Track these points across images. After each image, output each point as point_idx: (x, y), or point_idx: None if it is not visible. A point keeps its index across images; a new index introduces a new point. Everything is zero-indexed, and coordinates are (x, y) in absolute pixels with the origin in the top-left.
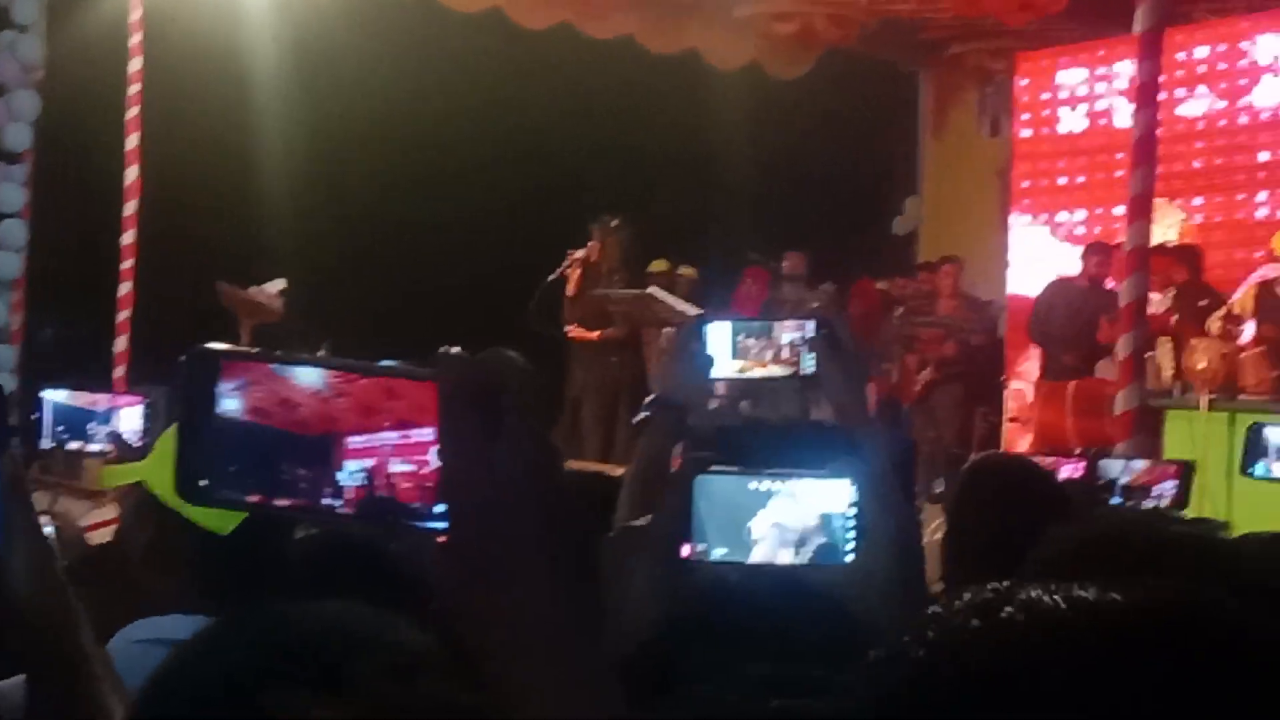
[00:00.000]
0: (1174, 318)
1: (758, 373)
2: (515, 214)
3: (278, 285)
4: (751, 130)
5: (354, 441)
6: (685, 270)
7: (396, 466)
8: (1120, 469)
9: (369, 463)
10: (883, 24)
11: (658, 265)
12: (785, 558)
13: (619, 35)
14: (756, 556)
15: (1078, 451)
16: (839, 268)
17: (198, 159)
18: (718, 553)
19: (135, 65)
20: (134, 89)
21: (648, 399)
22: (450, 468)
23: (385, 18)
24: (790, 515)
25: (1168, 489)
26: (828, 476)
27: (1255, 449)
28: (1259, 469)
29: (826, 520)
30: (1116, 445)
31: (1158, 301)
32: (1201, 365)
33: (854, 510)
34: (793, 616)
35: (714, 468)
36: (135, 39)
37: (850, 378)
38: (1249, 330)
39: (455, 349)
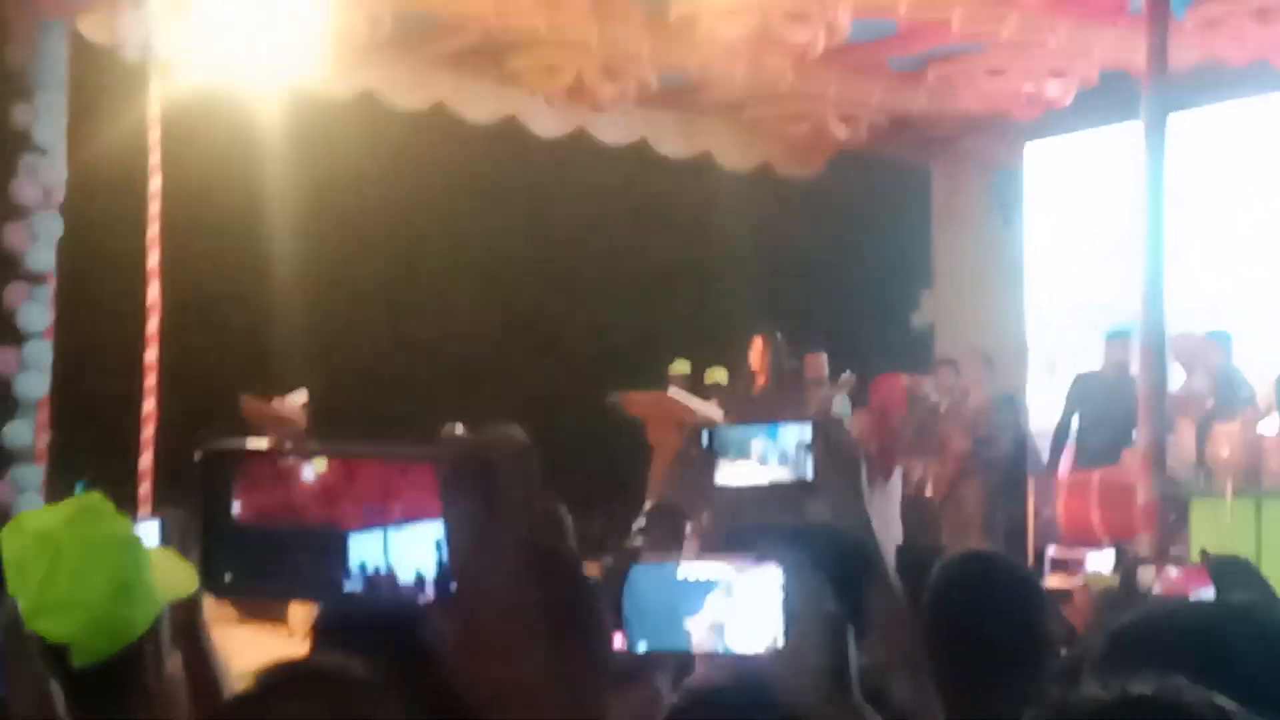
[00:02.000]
0: (1209, 402)
1: (761, 478)
2: (531, 319)
3: (300, 397)
4: (767, 230)
5: (362, 529)
6: (715, 372)
7: (402, 551)
8: (1151, 577)
9: (376, 549)
10: (893, 122)
11: (678, 367)
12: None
13: (632, 140)
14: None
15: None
16: (859, 365)
17: (218, 274)
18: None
19: (155, 184)
20: (154, 207)
21: (647, 506)
22: (453, 544)
23: (401, 130)
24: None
25: (1206, 594)
26: (756, 564)
27: None
28: None
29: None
30: (1140, 535)
31: (1187, 387)
32: (1225, 453)
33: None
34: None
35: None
36: (154, 158)
37: (846, 481)
38: (1275, 419)
39: (458, 427)
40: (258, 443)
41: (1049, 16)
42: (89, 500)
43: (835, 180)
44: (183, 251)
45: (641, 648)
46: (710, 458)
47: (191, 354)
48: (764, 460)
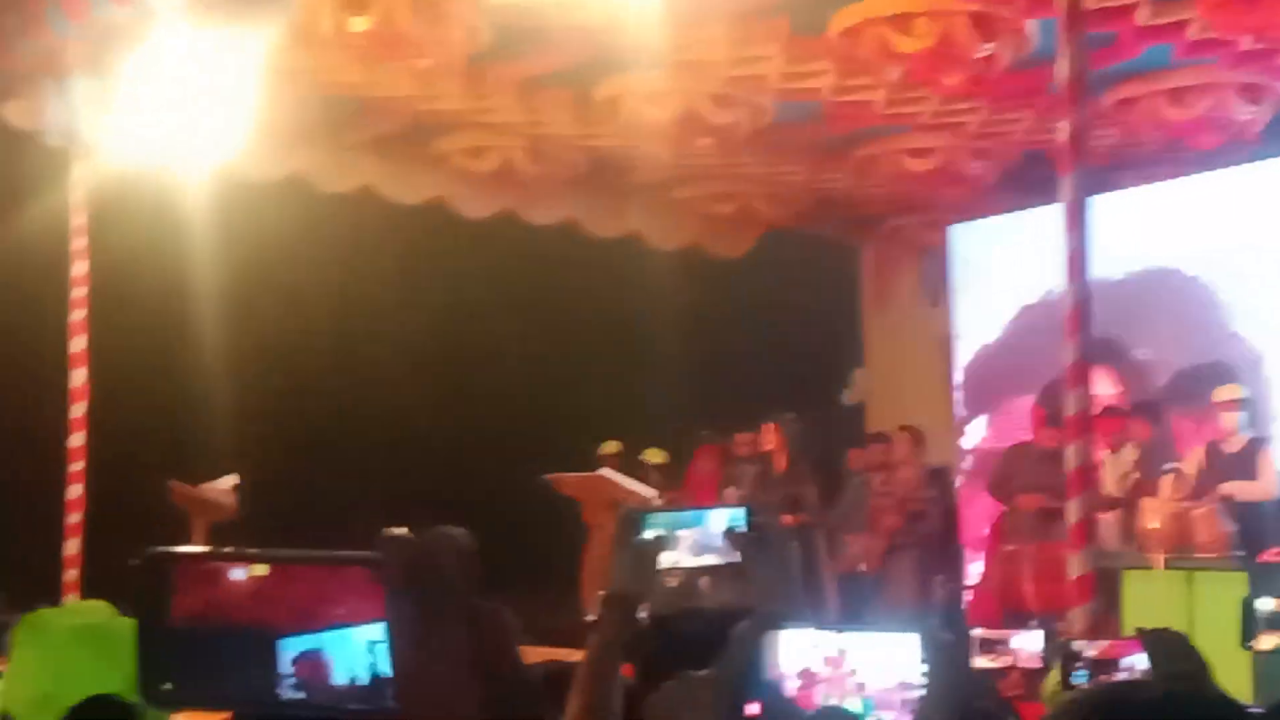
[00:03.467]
0: (1135, 475)
1: (692, 562)
2: (461, 399)
3: (230, 481)
4: (697, 309)
5: (297, 636)
6: (651, 453)
7: (339, 655)
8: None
9: (313, 654)
10: (819, 201)
11: (609, 447)
12: None
13: (560, 221)
14: None
15: (1035, 624)
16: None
17: (145, 359)
18: None
19: (80, 269)
20: (79, 292)
21: (600, 593)
22: (394, 647)
23: (329, 212)
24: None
25: (1139, 661)
26: (893, 631)
27: (1251, 621)
28: (1261, 641)
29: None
30: (1073, 609)
31: (1113, 461)
32: (1154, 525)
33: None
34: None
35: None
36: (79, 243)
37: (773, 565)
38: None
39: (399, 530)
40: (195, 549)
41: (969, 98)
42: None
43: (764, 259)
44: (109, 336)
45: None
46: (647, 543)
47: (119, 439)
48: (693, 545)
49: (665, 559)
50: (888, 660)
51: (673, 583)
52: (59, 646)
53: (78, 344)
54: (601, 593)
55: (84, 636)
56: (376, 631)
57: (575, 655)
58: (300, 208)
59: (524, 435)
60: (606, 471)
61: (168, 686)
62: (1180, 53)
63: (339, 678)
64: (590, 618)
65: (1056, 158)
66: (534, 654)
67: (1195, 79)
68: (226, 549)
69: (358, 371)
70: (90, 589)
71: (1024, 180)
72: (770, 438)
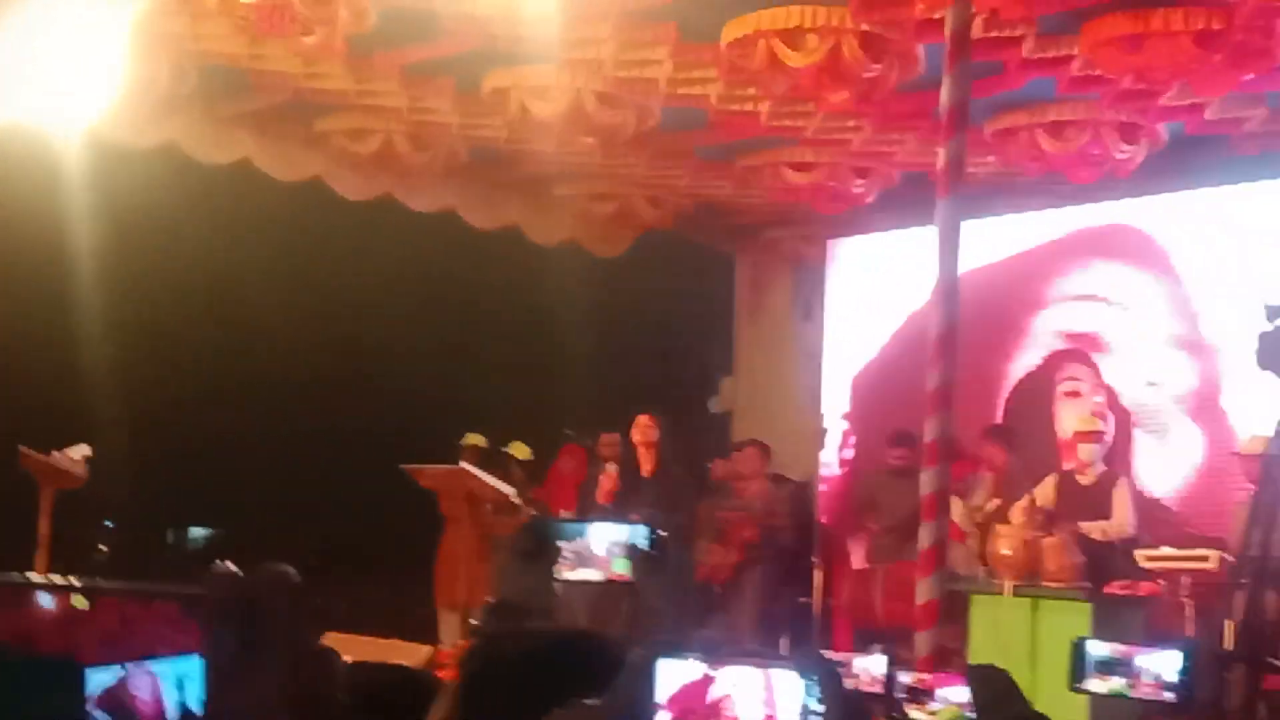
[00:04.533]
0: (994, 502)
1: (570, 575)
2: (327, 384)
3: (81, 451)
4: (572, 306)
5: (104, 666)
6: (516, 447)
7: (147, 688)
8: (907, 675)
9: (120, 686)
10: (700, 207)
11: (473, 439)
12: None
13: (441, 209)
14: None
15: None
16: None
17: (3, 321)
18: None
19: None
20: None
21: (487, 602)
22: (210, 678)
23: (205, 185)
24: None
25: (956, 694)
26: (772, 667)
27: (1081, 663)
28: (1090, 684)
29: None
30: (919, 632)
31: (962, 505)
32: (1005, 552)
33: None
34: None
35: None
36: None
37: (668, 589)
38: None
39: (227, 564)
40: (11, 577)
41: (854, 116)
42: None
43: (641, 261)
44: None
45: None
46: (544, 553)
47: None
48: (575, 558)
49: (571, 571)
50: (772, 695)
51: (572, 594)
52: None
53: None
54: (489, 600)
55: None
56: (188, 666)
57: (423, 649)
58: (175, 177)
59: (394, 421)
60: (466, 465)
61: None
62: (1063, 87)
63: (147, 711)
64: (477, 621)
65: (934, 182)
66: (381, 645)
67: (1074, 114)
68: (47, 578)
69: (228, 348)
70: None
71: (903, 201)
72: (644, 432)
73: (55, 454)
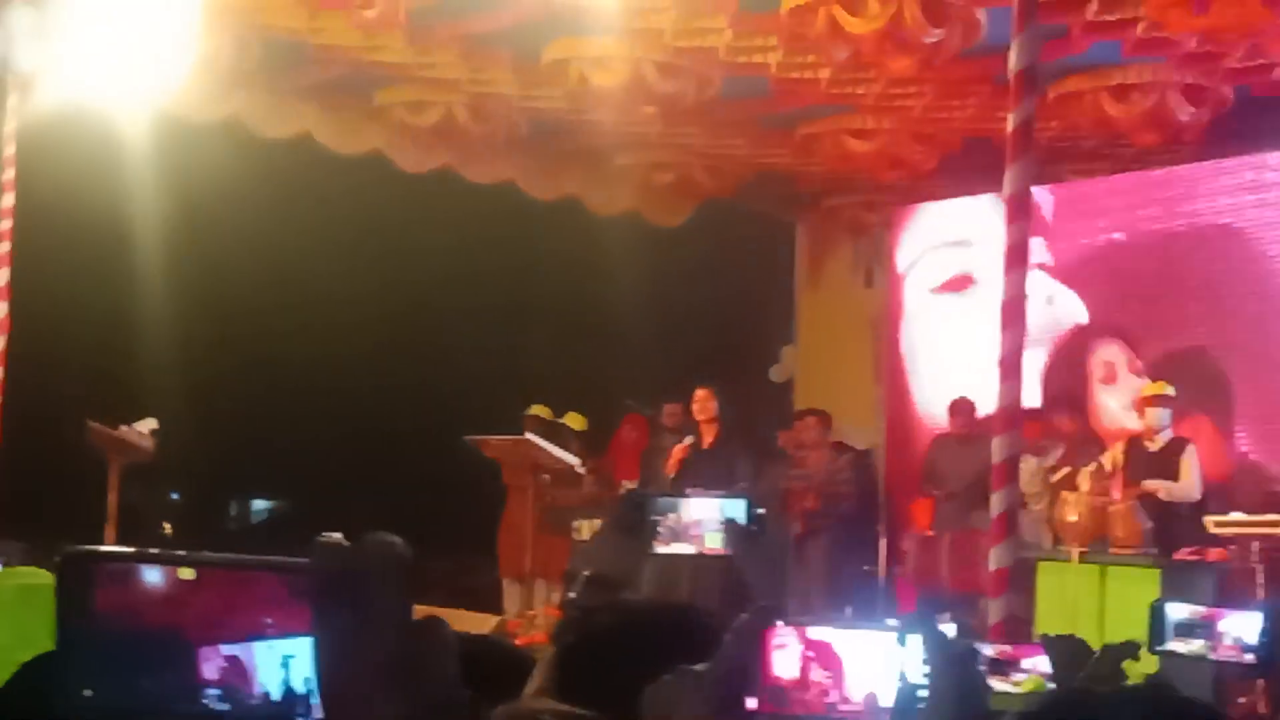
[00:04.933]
0: (1063, 471)
1: (664, 549)
2: (392, 355)
3: (149, 425)
4: (632, 276)
5: (218, 644)
6: (571, 418)
7: (263, 666)
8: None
9: (235, 663)
10: (759, 176)
11: (538, 410)
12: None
13: (500, 181)
14: None
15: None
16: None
17: (70, 296)
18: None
19: (7, 201)
20: (4, 224)
21: (583, 574)
22: (323, 655)
23: (268, 157)
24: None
25: (1040, 664)
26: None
27: (1161, 626)
28: (1171, 646)
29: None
30: (990, 599)
31: (1032, 468)
32: (1072, 519)
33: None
34: None
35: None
36: (8, 175)
37: (767, 560)
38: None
39: (335, 536)
40: (117, 549)
41: (915, 82)
42: None
43: (702, 229)
44: (36, 271)
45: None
46: (644, 526)
47: (41, 375)
48: (679, 530)
49: (667, 543)
50: (887, 659)
51: (670, 566)
52: (6, 606)
53: (1, 276)
54: (585, 573)
55: (30, 597)
56: (300, 645)
57: (488, 619)
58: (238, 151)
59: (454, 392)
60: (531, 436)
61: (88, 693)
62: (1127, 50)
63: (263, 688)
64: (572, 593)
65: (1002, 148)
66: (445, 617)
67: (1140, 77)
68: (151, 550)
69: (290, 320)
70: (5, 530)
71: (964, 167)
72: (703, 406)
73: (123, 428)
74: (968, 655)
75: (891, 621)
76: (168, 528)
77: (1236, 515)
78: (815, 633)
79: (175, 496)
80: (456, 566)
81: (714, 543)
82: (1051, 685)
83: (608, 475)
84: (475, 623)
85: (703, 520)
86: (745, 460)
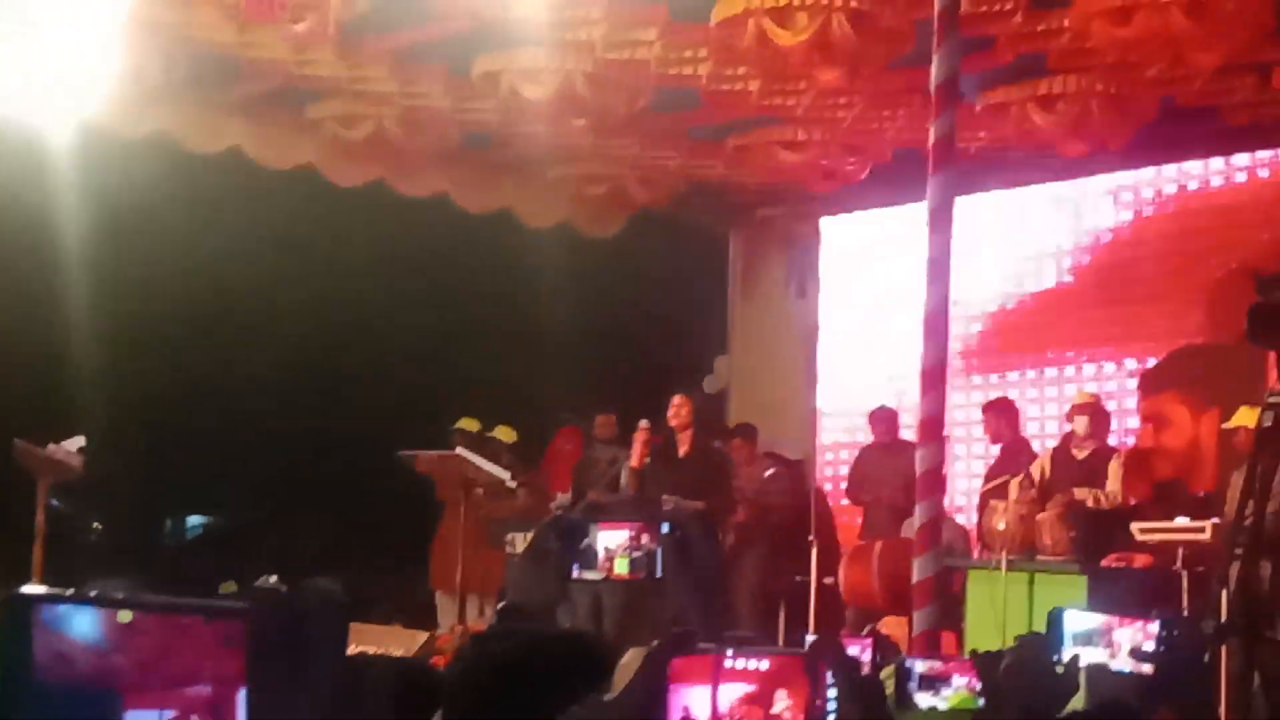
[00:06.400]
0: (995, 480)
1: (577, 575)
2: (322, 369)
3: (77, 443)
4: (565, 288)
5: (141, 696)
6: (502, 431)
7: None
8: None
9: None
10: (692, 187)
11: (467, 423)
12: None
13: (433, 193)
14: None
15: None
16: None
17: None
18: None
19: None
20: None
21: (500, 605)
22: (256, 700)
23: (197, 173)
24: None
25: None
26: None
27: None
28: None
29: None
30: (915, 610)
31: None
32: (1000, 526)
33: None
34: None
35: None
36: None
37: (697, 585)
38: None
39: (272, 579)
40: (53, 591)
41: (845, 94)
42: None
43: (635, 241)
44: None
45: None
46: (559, 554)
47: None
48: (590, 556)
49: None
50: (785, 688)
51: (592, 593)
52: None
53: None
54: (501, 604)
55: None
56: (230, 695)
57: (418, 635)
58: (166, 167)
59: (389, 406)
60: (462, 450)
61: None
62: (1053, 61)
63: None
64: (491, 623)
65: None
66: (380, 632)
67: (1065, 87)
68: (91, 593)
69: (221, 336)
70: None
71: (896, 178)
72: (678, 412)
73: (51, 446)
74: (872, 684)
75: (804, 649)
76: (96, 534)
77: (1161, 523)
78: (730, 661)
79: (97, 525)
80: (391, 582)
81: (622, 569)
82: (980, 701)
83: (542, 488)
84: (408, 639)
85: (607, 546)
86: (723, 468)
